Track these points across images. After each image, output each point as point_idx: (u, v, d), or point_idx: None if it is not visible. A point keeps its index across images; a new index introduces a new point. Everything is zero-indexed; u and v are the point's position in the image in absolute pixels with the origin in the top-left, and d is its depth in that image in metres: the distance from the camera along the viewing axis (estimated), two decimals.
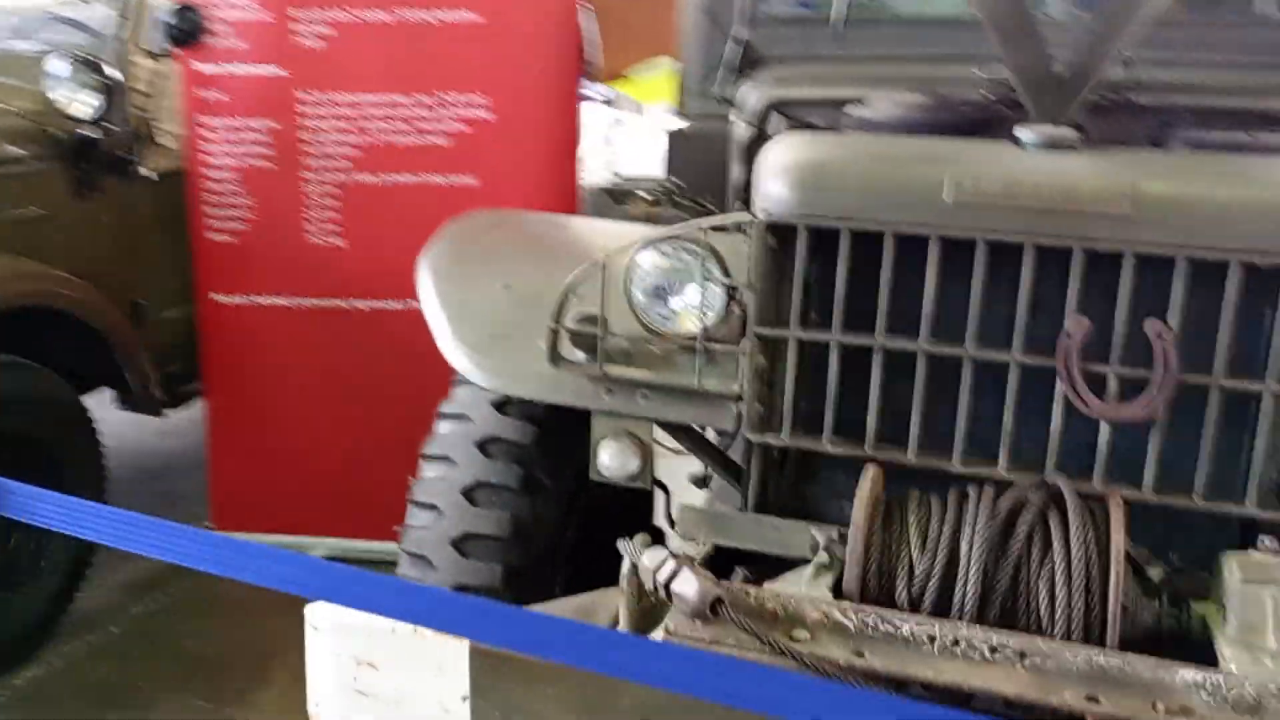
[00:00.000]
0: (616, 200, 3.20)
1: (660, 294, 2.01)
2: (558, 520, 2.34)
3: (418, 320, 3.46)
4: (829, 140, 2.06)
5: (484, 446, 2.28)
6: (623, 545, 1.73)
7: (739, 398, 1.96)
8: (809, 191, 1.84)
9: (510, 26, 3.34)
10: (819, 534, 1.80)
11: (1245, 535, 1.81)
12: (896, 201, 1.79)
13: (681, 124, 3.92)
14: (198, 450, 4.35)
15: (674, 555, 1.65)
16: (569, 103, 3.42)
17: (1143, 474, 1.79)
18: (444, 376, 3.45)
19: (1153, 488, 1.78)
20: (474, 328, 2.21)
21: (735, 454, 2.21)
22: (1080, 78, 1.91)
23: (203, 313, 3.61)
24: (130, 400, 3.50)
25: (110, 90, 3.23)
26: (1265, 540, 1.71)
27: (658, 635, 1.69)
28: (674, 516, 2.11)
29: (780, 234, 1.87)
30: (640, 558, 1.68)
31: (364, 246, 3.50)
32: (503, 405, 2.30)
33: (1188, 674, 1.50)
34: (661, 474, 2.79)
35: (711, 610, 1.58)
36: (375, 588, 1.80)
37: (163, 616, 3.42)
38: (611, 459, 2.11)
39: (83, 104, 3.24)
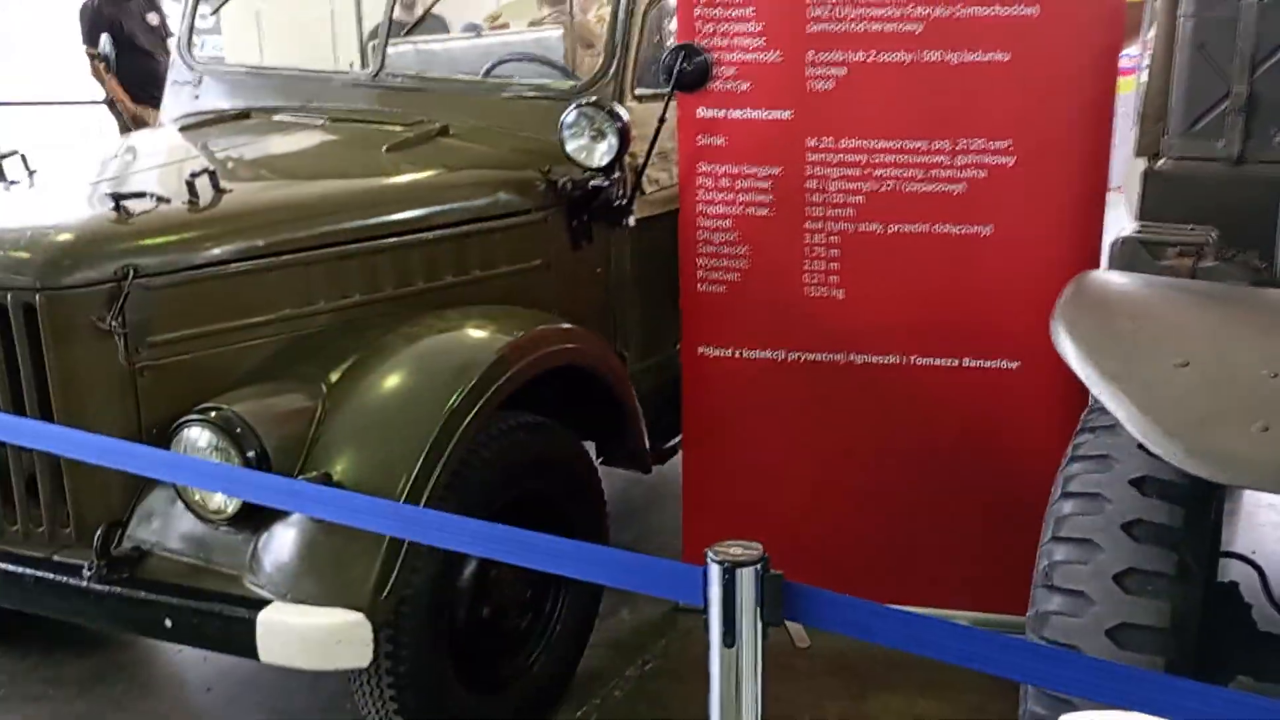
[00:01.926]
0: (1153, 254, 3.09)
1: None
2: (1201, 609, 2.31)
3: (919, 375, 3.48)
4: None
5: (1130, 529, 2.24)
6: None
7: None
8: None
9: (1041, 65, 3.24)
10: None
11: None
12: None
13: (1151, 164, 3.78)
14: (633, 507, 4.47)
15: None
16: (1101, 146, 3.30)
17: None
18: (935, 431, 3.45)
19: None
20: (1163, 410, 2.11)
21: None
22: None
23: (687, 366, 3.64)
24: (616, 456, 3.55)
25: (623, 137, 3.28)
26: None
27: None
28: None
29: None
30: None
31: (863, 298, 3.47)
32: (1142, 484, 2.26)
33: None
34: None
35: None
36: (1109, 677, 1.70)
37: (660, 679, 3.46)
38: None
39: (600, 153, 3.29)
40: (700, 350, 3.61)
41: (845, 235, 3.45)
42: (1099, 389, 2.23)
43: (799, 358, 3.55)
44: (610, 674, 3.48)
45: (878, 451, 3.54)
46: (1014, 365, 3.42)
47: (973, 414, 3.47)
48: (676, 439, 3.76)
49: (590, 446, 3.53)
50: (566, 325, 3.18)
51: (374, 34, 4.13)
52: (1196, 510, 2.29)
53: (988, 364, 3.43)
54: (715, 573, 1.77)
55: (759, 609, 1.78)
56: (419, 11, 4.67)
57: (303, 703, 3.34)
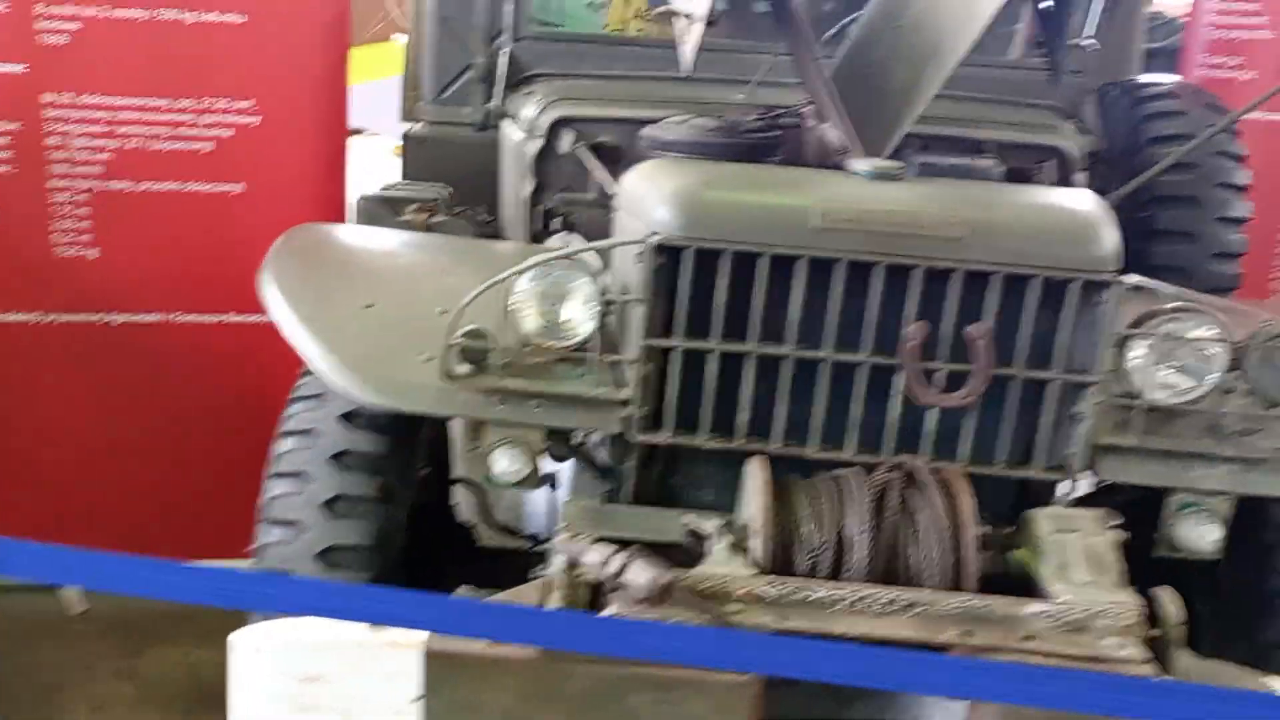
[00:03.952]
0: (393, 210, 3.46)
1: (544, 310, 2.37)
2: (408, 525, 2.66)
3: (178, 332, 3.69)
4: (705, 170, 2.52)
5: (339, 459, 2.53)
6: (560, 545, 2.11)
7: (625, 403, 2.36)
8: (697, 217, 2.29)
9: (276, 27, 3.51)
10: (700, 521, 2.21)
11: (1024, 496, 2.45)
12: (771, 226, 2.28)
13: (410, 128, 4.22)
14: None
15: (621, 549, 2.04)
16: (338, 106, 3.64)
17: (958, 449, 2.36)
18: (204, 387, 3.70)
19: (968, 459, 2.36)
20: (347, 347, 2.45)
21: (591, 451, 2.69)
22: (897, 116, 2.48)
23: None
24: None
25: None
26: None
27: None
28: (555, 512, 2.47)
29: (666, 254, 2.29)
30: (587, 554, 2.06)
31: (119, 257, 3.59)
32: (351, 418, 2.56)
33: (1033, 607, 2.08)
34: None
35: (661, 594, 1.99)
36: (315, 593, 2.06)
37: None
38: (506, 465, 2.45)
39: None
40: None
41: (95, 193, 3.54)
42: (291, 332, 2.50)
43: (54, 319, 3.61)
44: None
45: (147, 409, 3.69)
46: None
47: (238, 368, 3.71)
48: None
49: None
50: None
51: None
52: (403, 439, 2.60)
53: (247, 319, 3.63)
54: None
55: None
56: None
57: None
